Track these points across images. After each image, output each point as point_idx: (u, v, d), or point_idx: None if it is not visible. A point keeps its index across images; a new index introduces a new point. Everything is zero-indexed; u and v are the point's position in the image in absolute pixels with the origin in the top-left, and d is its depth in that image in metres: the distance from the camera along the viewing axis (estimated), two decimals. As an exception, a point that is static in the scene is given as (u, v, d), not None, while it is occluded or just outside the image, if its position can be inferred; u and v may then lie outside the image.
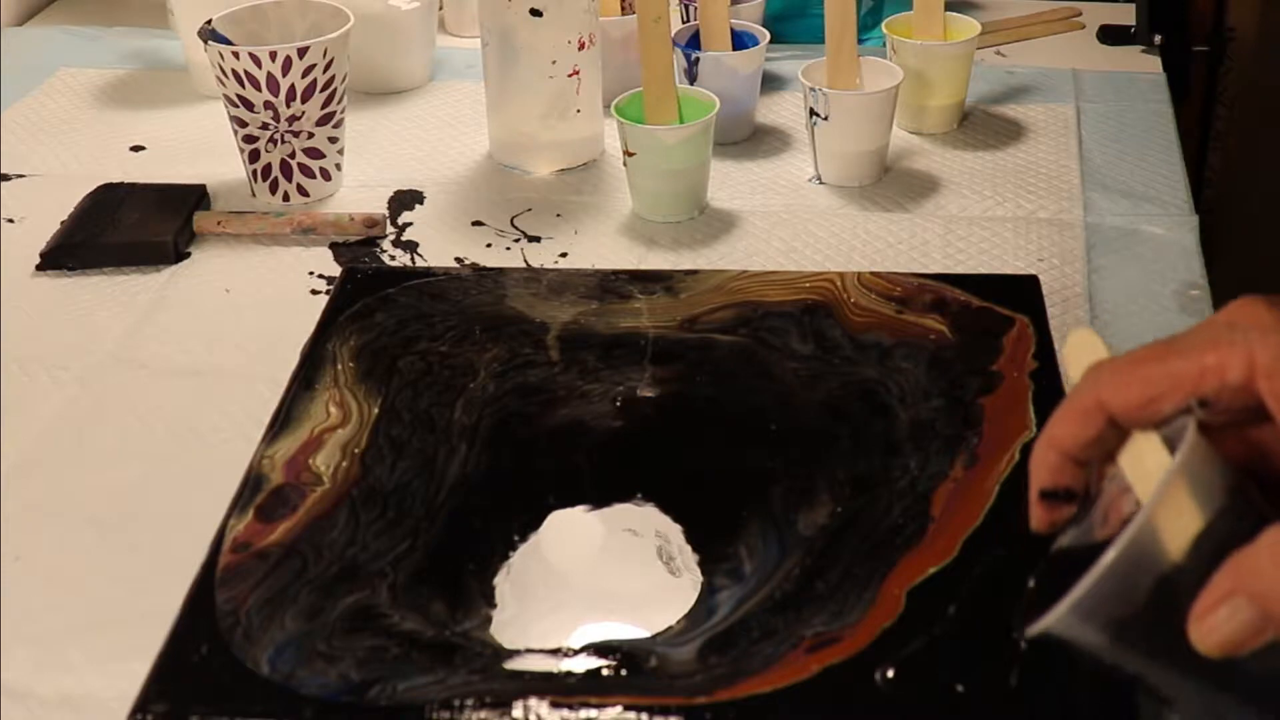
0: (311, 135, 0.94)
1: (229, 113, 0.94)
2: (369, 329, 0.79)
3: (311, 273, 0.89)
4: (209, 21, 0.94)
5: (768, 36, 1.03)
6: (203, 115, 1.09)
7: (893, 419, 0.70)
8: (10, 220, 0.95)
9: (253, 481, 0.68)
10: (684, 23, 1.12)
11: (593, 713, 0.55)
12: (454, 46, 1.21)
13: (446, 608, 0.60)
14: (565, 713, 0.55)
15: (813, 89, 0.93)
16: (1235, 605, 0.41)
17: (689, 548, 0.63)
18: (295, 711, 0.56)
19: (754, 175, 0.99)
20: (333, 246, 0.92)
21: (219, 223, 0.92)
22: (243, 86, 0.91)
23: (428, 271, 0.86)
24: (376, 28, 1.08)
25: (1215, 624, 0.41)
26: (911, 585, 0.60)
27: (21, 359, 0.81)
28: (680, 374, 0.75)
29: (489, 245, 0.91)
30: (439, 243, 0.92)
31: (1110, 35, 1.19)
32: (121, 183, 0.96)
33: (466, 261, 0.89)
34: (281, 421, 0.72)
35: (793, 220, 0.93)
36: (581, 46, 0.96)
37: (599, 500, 0.66)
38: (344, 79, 0.94)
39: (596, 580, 0.63)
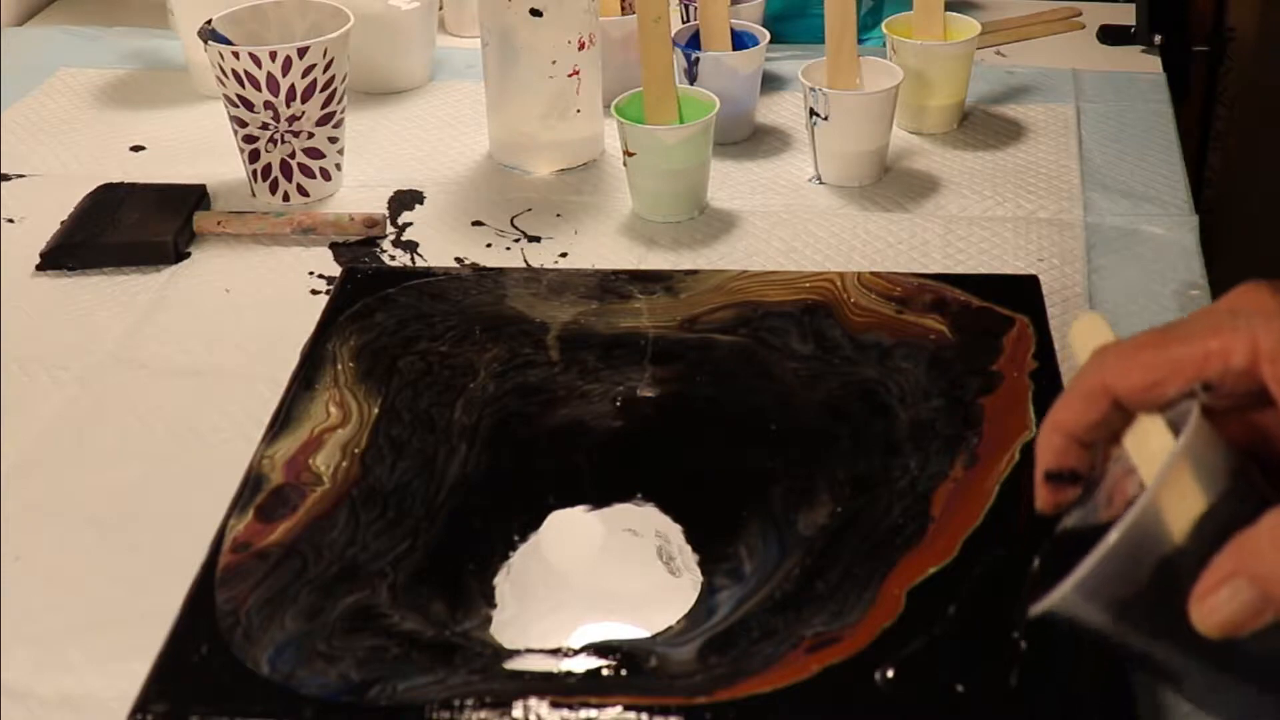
0: (311, 135, 0.94)
1: (229, 113, 0.94)
2: (369, 329, 0.79)
3: (311, 273, 0.89)
4: (209, 21, 0.94)
5: (768, 36, 1.03)
6: (203, 115, 1.09)
7: (893, 419, 0.70)
8: (10, 220, 0.95)
9: (253, 481, 0.68)
10: (684, 23, 1.12)
11: (593, 713, 0.55)
12: (454, 46, 1.21)
13: (446, 608, 0.60)
14: (565, 713, 0.55)
15: (813, 89, 0.93)
16: (1236, 587, 0.41)
17: (689, 548, 0.63)
18: (295, 711, 0.56)
19: (754, 175, 0.99)
20: (333, 246, 0.92)
21: (219, 223, 0.92)
22: (243, 86, 0.91)
23: (428, 271, 0.86)
24: (376, 28, 1.08)
25: (1216, 605, 0.42)
26: (911, 585, 0.60)
27: (21, 359, 0.81)
28: (680, 374, 0.75)
29: (489, 245, 0.91)
30: (439, 243, 0.92)
31: (1110, 35, 1.19)
32: (121, 183, 0.96)
33: (466, 261, 0.89)
34: (281, 421, 0.72)
35: (793, 220, 0.93)
36: (581, 46, 0.96)
37: (599, 500, 0.66)
38: (344, 79, 0.94)
39: (596, 580, 0.63)
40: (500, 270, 0.86)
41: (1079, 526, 0.48)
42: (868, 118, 0.94)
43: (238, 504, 0.66)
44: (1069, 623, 0.44)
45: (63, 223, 0.92)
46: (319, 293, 0.86)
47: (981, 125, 1.05)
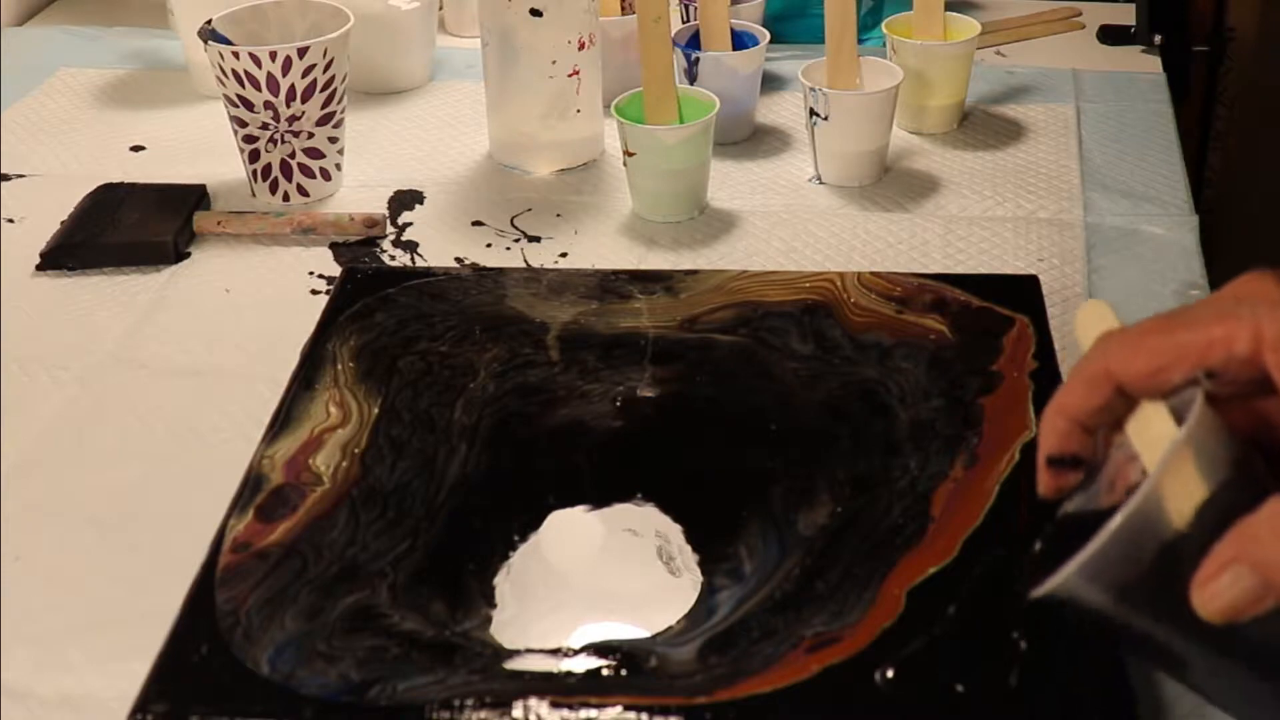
0: (311, 135, 0.94)
1: (229, 113, 0.94)
2: (369, 329, 0.79)
3: (311, 273, 0.89)
4: (209, 21, 0.94)
5: (768, 36, 1.03)
6: (203, 115, 1.09)
7: (893, 419, 0.70)
8: (10, 220, 0.95)
9: (253, 481, 0.68)
10: (684, 23, 1.12)
11: (593, 713, 0.55)
12: (454, 46, 1.21)
13: (446, 608, 0.60)
14: (565, 713, 0.55)
15: (813, 89, 0.93)
16: (1237, 573, 0.42)
17: (689, 548, 0.63)
18: (295, 711, 0.56)
19: (754, 175, 0.99)
20: (333, 246, 0.92)
21: (219, 223, 0.92)
22: (243, 86, 0.91)
23: (428, 271, 0.86)
24: (376, 28, 1.08)
25: (1217, 591, 0.42)
26: (911, 585, 0.60)
27: (21, 359, 0.81)
28: (680, 374, 0.75)
29: (489, 245, 0.91)
30: (439, 243, 0.92)
31: (1110, 35, 1.19)
32: (121, 183, 0.96)
33: (466, 261, 0.89)
34: (281, 421, 0.72)
35: (793, 220, 0.93)
36: (581, 46, 0.96)
37: (599, 500, 0.66)
38: (344, 79, 0.94)
39: (596, 580, 0.63)
40: (500, 270, 0.86)
41: (1080, 511, 0.48)
42: (868, 118, 0.94)
43: (238, 504, 0.66)
44: (1071, 604, 0.45)
45: (63, 223, 0.92)
46: (319, 293, 0.86)
47: (981, 125, 1.05)
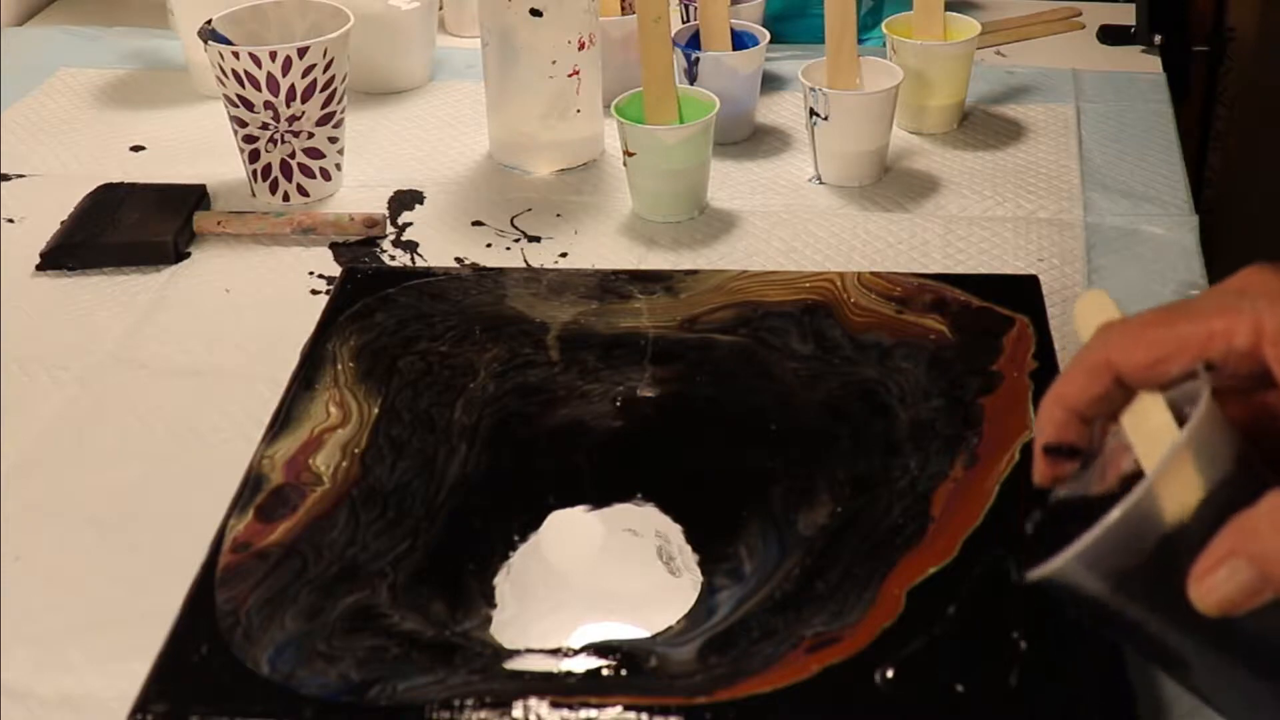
0: (311, 135, 0.94)
1: (229, 113, 0.94)
2: (369, 329, 0.79)
3: (311, 273, 0.89)
4: (209, 21, 0.94)
5: (768, 36, 1.03)
6: (203, 115, 1.09)
7: (893, 419, 0.70)
8: (10, 220, 0.95)
9: (253, 481, 0.68)
10: (684, 23, 1.12)
11: (593, 713, 0.55)
12: (454, 46, 1.21)
13: (446, 608, 0.60)
14: (565, 713, 0.55)
15: (813, 89, 0.93)
16: (1234, 566, 0.42)
17: (689, 548, 0.63)
18: (295, 711, 0.56)
19: (754, 175, 0.99)
20: (333, 246, 0.92)
21: (219, 223, 0.92)
22: (243, 86, 0.91)
23: (428, 271, 0.86)
24: (376, 28, 1.08)
25: (1214, 584, 0.42)
26: (911, 585, 0.60)
27: (21, 359, 0.81)
28: (680, 374, 0.75)
29: (489, 245, 0.91)
30: (439, 243, 0.92)
31: (1110, 35, 1.19)
32: (121, 183, 0.96)
33: (466, 261, 0.89)
34: (281, 421, 0.72)
35: (793, 220, 0.93)
36: (581, 46, 0.96)
37: (599, 500, 0.66)
38: (344, 79, 0.94)
39: (596, 580, 0.63)
40: (500, 270, 0.86)
41: (1071, 498, 0.49)
42: (868, 118, 0.94)
43: (238, 504, 0.66)
44: (1067, 590, 0.45)
45: (63, 223, 0.92)
46: (319, 293, 0.86)
47: (981, 125, 1.05)
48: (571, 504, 0.66)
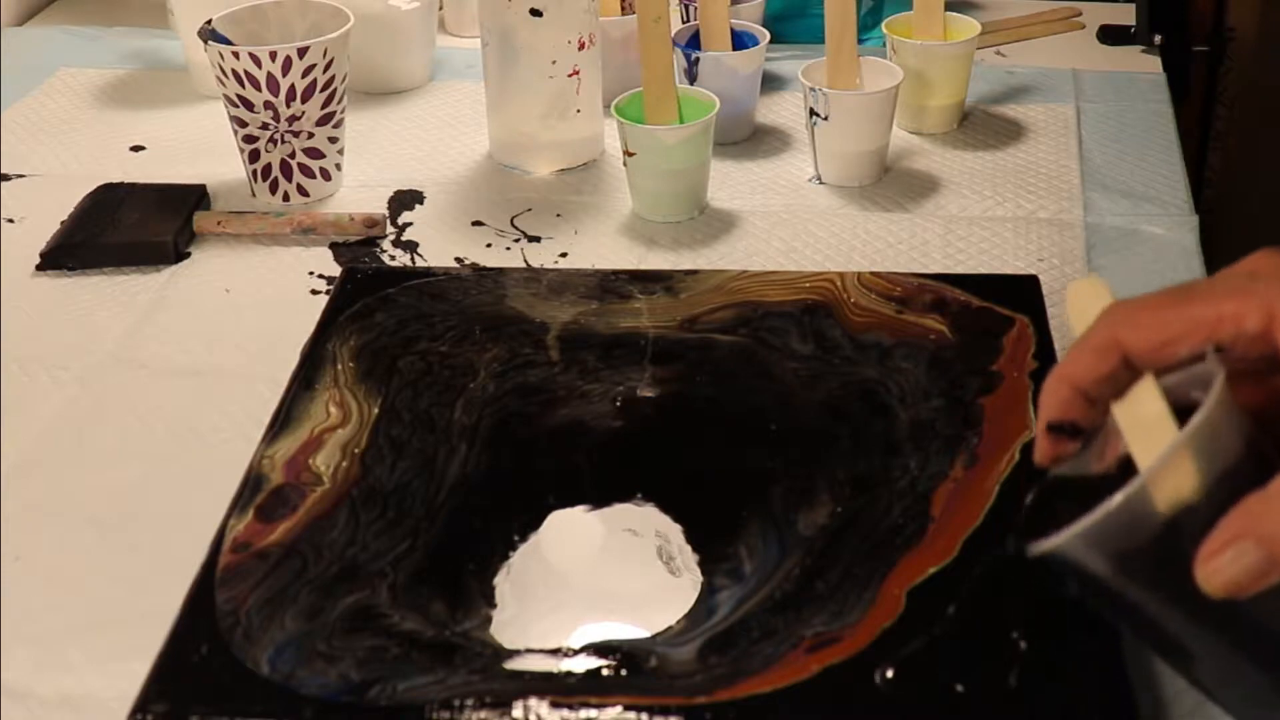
0: (311, 135, 0.94)
1: (229, 113, 0.94)
2: (369, 329, 0.79)
3: (311, 273, 0.89)
4: (209, 21, 0.94)
5: (768, 36, 1.03)
6: (203, 115, 1.09)
7: (893, 419, 0.70)
8: (10, 220, 0.95)
9: (253, 481, 0.68)
10: (684, 23, 1.12)
11: (593, 713, 0.55)
12: (454, 46, 1.21)
13: (446, 608, 0.60)
14: (565, 713, 0.55)
15: (813, 89, 0.93)
16: (1242, 548, 0.41)
17: (689, 548, 0.63)
18: (295, 711, 0.56)
19: (754, 175, 0.99)
20: (333, 246, 0.92)
21: (219, 223, 0.92)
22: (243, 86, 0.91)
23: (428, 271, 0.86)
24: (376, 28, 1.08)
25: (1221, 566, 0.42)
26: (911, 585, 0.60)
27: (21, 359, 0.81)
28: (680, 374, 0.75)
29: (489, 245, 0.91)
30: (439, 243, 0.92)
31: (1110, 35, 1.19)
32: (121, 183, 0.96)
33: (466, 261, 0.89)
34: (281, 421, 0.72)
35: (793, 220, 0.93)
36: (581, 46, 0.96)
37: (599, 500, 0.66)
38: (344, 79, 0.94)
39: (596, 580, 0.63)
40: (500, 270, 0.86)
41: (1070, 475, 0.49)
42: (868, 118, 0.94)
43: (238, 504, 0.66)
44: (1070, 569, 0.45)
45: (63, 223, 0.92)
46: (319, 293, 0.86)
47: (981, 125, 1.05)
48: (571, 504, 0.66)
